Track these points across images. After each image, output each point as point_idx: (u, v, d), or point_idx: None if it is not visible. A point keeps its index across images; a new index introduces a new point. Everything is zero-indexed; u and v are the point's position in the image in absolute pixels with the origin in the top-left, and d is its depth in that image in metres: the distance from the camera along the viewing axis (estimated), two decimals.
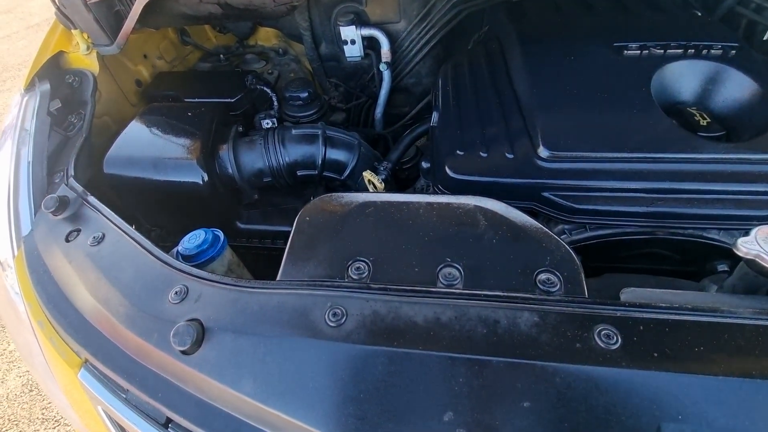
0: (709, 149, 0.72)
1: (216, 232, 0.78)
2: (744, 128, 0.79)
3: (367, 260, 0.62)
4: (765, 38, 1.17)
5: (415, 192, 1.05)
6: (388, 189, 1.01)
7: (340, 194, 0.71)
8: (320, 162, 0.97)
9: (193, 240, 0.76)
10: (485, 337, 0.52)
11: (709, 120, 0.78)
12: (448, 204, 0.67)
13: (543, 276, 0.58)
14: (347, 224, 0.66)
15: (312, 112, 1.23)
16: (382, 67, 1.42)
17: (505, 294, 0.55)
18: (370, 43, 1.47)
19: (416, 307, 0.55)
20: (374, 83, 1.57)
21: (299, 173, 0.99)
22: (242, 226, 1.14)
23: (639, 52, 0.87)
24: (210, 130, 1.04)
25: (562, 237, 0.83)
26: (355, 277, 0.60)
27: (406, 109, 1.61)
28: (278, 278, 0.62)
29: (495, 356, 0.50)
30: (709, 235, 0.75)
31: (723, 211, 0.70)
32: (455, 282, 0.58)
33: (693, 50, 0.85)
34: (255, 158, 0.99)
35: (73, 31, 1.12)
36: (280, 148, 0.98)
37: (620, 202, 0.73)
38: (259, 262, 1.11)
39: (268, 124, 1.14)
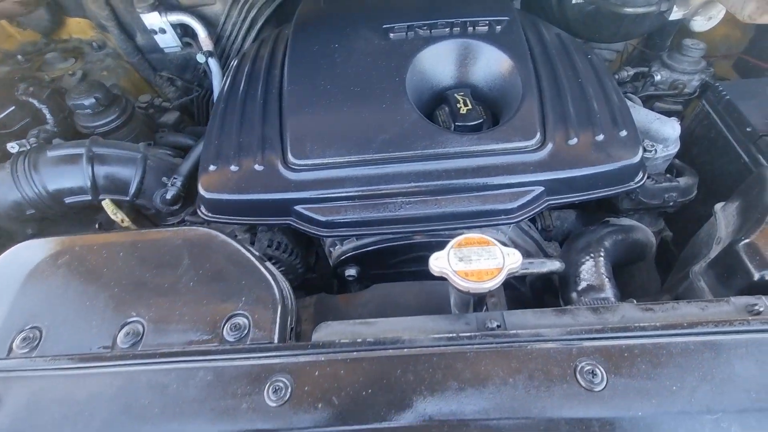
0: (453, 143, 0.68)
1: None
2: (505, 110, 0.76)
3: (39, 327, 0.53)
4: (574, 2, 1.14)
5: None
6: (171, 211, 0.91)
7: (40, 240, 0.61)
8: (90, 184, 0.85)
9: None
10: (146, 408, 0.46)
11: (469, 107, 0.74)
12: (153, 242, 0.59)
13: (234, 321, 0.52)
14: (30, 281, 0.57)
15: (108, 120, 1.07)
16: (200, 58, 1.27)
17: (183, 350, 0.49)
18: (188, 31, 1.31)
19: (80, 380, 0.48)
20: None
21: (68, 200, 0.86)
22: None
23: (405, 34, 0.80)
24: None
25: (335, 248, 0.78)
26: (22, 349, 0.51)
27: None
28: None
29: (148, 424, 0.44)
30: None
31: (471, 208, 0.67)
32: (137, 341, 0.51)
33: (459, 28, 0.79)
34: (5, 190, 0.85)
35: None
36: (32, 175, 0.84)
37: (368, 210, 0.68)
38: None
39: (14, 147, 0.96)
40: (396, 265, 0.78)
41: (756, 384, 0.43)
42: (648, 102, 1.21)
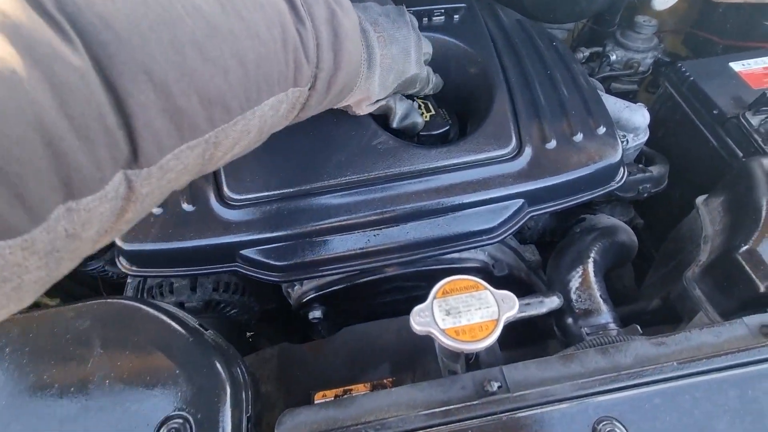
0: (421, 160, 0.58)
1: None
2: (473, 111, 0.67)
3: None
4: None
5: None
6: None
7: None
8: None
9: None
10: None
11: (432, 112, 0.65)
12: (51, 326, 0.45)
13: (170, 426, 0.40)
14: None
15: None
16: None
17: None
18: None
19: None
20: None
21: None
22: None
23: None
24: None
25: (294, 289, 0.67)
26: None
27: None
28: None
29: None
30: (451, 256, 0.64)
31: (447, 231, 0.59)
32: None
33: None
34: None
35: None
36: None
37: (330, 246, 0.57)
38: None
39: None
40: (368, 298, 0.69)
41: None
42: (605, 83, 1.18)
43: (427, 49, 0.58)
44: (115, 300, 0.47)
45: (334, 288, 0.63)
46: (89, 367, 0.43)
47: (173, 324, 0.46)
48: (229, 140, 0.36)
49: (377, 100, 0.55)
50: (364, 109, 0.56)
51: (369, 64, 0.50)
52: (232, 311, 0.78)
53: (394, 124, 0.61)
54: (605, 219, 0.77)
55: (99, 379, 0.42)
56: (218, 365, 0.44)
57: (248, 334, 1.08)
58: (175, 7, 0.29)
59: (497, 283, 0.69)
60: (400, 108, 0.59)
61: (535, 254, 0.81)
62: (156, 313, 0.46)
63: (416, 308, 0.42)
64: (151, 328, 0.46)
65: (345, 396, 0.56)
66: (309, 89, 0.43)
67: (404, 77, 0.54)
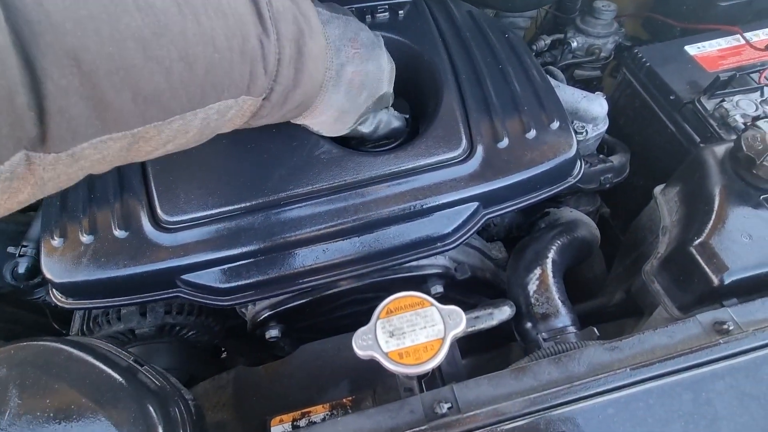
0: (367, 168, 0.55)
1: None
2: (420, 113, 0.65)
3: None
4: None
5: None
6: None
7: None
8: None
9: None
10: None
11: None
12: None
13: None
14: None
15: None
16: None
17: None
18: None
19: None
20: None
21: None
22: None
23: None
24: None
25: (248, 308, 0.64)
26: None
27: None
28: None
29: None
30: (409, 264, 0.62)
31: (400, 241, 0.56)
32: None
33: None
34: None
35: None
36: None
37: (276, 265, 0.54)
38: None
39: None
40: (326, 313, 0.66)
41: (741, 425, 0.38)
42: (568, 70, 1.16)
43: (393, 66, 0.55)
44: (34, 342, 0.44)
45: (289, 306, 0.60)
46: (4, 419, 0.40)
47: (100, 365, 0.42)
48: (162, 136, 0.35)
49: (352, 124, 0.53)
50: (335, 131, 0.54)
51: (336, 82, 0.47)
52: (190, 333, 0.75)
53: (374, 136, 0.57)
54: (568, 213, 0.75)
55: None
56: (150, 408, 0.41)
57: (222, 354, 1.05)
58: (125, 1, 0.29)
59: (460, 286, 0.68)
60: (373, 122, 0.56)
61: (502, 251, 0.80)
62: (80, 354, 0.43)
63: (359, 331, 0.40)
64: (76, 370, 0.42)
65: (302, 420, 0.54)
66: (263, 99, 0.42)
67: (378, 95, 0.52)
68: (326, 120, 0.51)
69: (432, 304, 0.42)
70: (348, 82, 0.48)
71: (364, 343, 0.39)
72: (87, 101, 0.28)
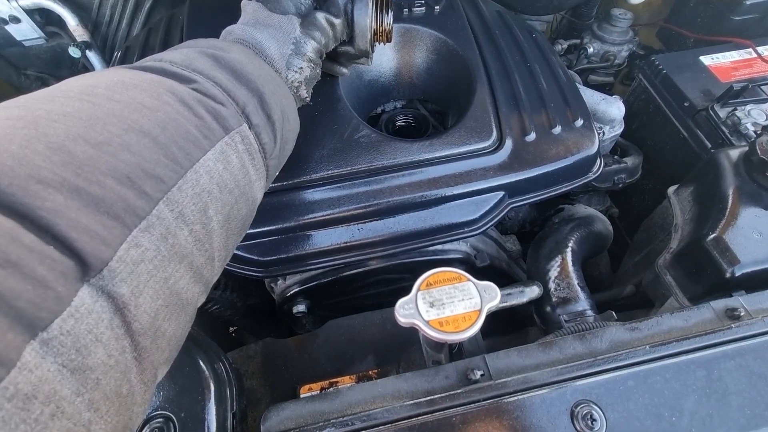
0: (403, 153, 0.58)
1: None
2: (453, 105, 0.68)
3: None
4: None
5: None
6: None
7: None
8: None
9: None
10: None
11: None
12: None
13: (153, 426, 0.40)
14: None
15: None
16: (73, 52, 1.02)
17: None
18: (51, 18, 1.04)
19: None
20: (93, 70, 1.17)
21: None
22: None
23: None
24: None
25: (278, 283, 0.67)
26: None
27: None
28: None
29: None
30: (434, 248, 0.65)
31: (430, 224, 0.59)
32: None
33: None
34: None
35: None
36: None
37: (313, 241, 0.57)
38: None
39: None
40: (352, 291, 0.69)
41: (749, 400, 0.41)
42: (582, 75, 1.20)
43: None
44: None
45: (318, 282, 0.63)
46: None
47: None
48: (189, 210, 0.32)
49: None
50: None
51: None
52: (215, 308, 0.77)
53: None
54: (582, 209, 0.79)
55: None
56: (201, 362, 0.44)
57: (231, 329, 1.07)
58: (39, 122, 0.28)
59: (479, 273, 0.71)
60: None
61: (516, 244, 0.83)
62: None
63: (401, 301, 0.43)
64: None
65: (331, 389, 0.56)
66: (249, 129, 0.39)
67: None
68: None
69: (468, 279, 0.45)
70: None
71: (406, 312, 0.42)
72: (86, 208, 0.26)
